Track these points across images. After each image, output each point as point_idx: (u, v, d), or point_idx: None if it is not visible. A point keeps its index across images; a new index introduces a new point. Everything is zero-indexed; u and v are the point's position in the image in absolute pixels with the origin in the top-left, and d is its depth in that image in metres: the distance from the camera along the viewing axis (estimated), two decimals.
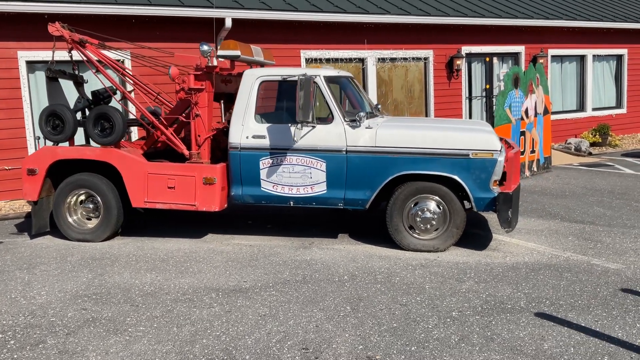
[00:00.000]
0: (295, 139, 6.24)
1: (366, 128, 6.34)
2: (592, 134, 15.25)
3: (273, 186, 6.52)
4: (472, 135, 6.15)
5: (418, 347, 4.07)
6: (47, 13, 9.20)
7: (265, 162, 6.48)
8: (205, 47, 6.64)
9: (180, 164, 6.70)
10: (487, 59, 14.76)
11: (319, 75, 6.46)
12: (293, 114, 6.40)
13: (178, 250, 6.48)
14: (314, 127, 6.37)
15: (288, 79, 6.49)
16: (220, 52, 6.73)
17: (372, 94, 12.95)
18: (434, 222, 6.23)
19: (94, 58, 7.32)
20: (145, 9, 10.01)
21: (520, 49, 14.99)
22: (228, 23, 10.75)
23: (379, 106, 7.85)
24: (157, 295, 5.11)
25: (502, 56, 14.98)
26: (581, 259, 6.00)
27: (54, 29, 7.25)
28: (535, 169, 11.22)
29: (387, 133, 6.27)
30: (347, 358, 3.94)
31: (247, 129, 6.54)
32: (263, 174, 6.50)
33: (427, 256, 6.16)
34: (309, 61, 12.19)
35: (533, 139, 11.09)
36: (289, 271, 5.71)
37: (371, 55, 12.86)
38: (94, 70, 7.35)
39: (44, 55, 9.18)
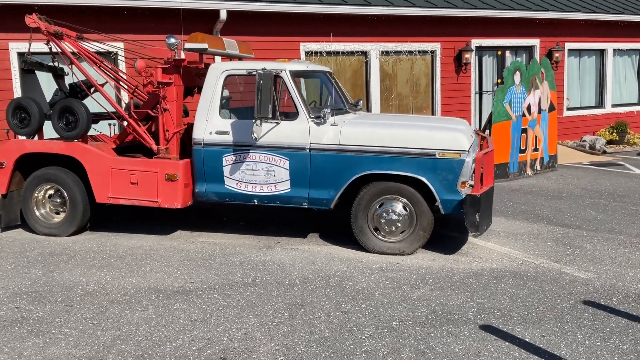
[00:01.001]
0: (255, 135, 6.04)
1: (331, 125, 6.10)
2: (609, 132, 14.66)
3: (237, 184, 6.35)
4: (438, 135, 5.86)
5: None
6: (37, 4, 9.17)
7: (228, 159, 6.31)
8: (172, 40, 6.48)
9: (143, 159, 6.58)
10: (499, 53, 14.29)
11: (284, 70, 6.24)
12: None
13: (139, 247, 6.37)
14: (278, 123, 6.17)
15: (253, 73, 6.29)
16: (187, 45, 6.57)
17: (375, 88, 12.67)
18: (399, 224, 5.97)
19: (69, 50, 7.24)
20: (138, 1, 9.91)
21: (534, 42, 14.46)
22: (223, 15, 10.59)
23: (360, 102, 7.60)
24: (96, 295, 5.00)
25: (516, 50, 14.48)
26: (552, 266, 5.68)
27: (31, 20, 7.19)
28: (538, 168, 10.80)
29: (352, 131, 6.03)
30: None
31: (210, 124, 6.37)
32: (226, 171, 6.33)
33: (390, 259, 5.91)
34: (309, 54, 11.96)
35: (536, 137, 10.66)
36: (242, 272, 5.53)
37: (374, 48, 12.56)
38: (68, 63, 7.28)
39: (35, 46, 9.17)
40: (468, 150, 5.76)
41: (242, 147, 6.24)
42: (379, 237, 6.05)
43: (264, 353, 3.95)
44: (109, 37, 8.27)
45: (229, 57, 7.73)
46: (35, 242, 6.61)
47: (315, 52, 12.02)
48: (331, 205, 6.17)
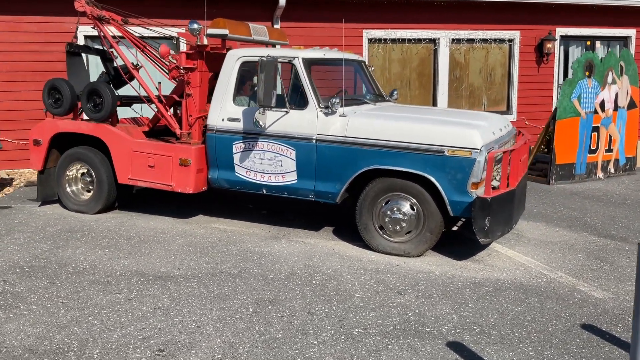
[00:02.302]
0: (261, 123, 5.91)
1: (340, 116, 5.84)
2: None
3: (246, 172, 6.26)
4: (448, 130, 5.43)
5: None
6: None
7: (238, 147, 6.23)
8: (195, 25, 6.48)
9: (160, 143, 6.65)
10: (589, 43, 13.16)
11: (297, 57, 6.04)
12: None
13: (152, 229, 6.46)
14: (287, 112, 6.00)
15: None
16: (209, 31, 6.53)
17: (443, 78, 12.10)
18: (404, 224, 5.62)
19: (110, 34, 7.45)
20: None
21: (630, 32, 13.17)
22: (282, 1, 10.49)
23: (395, 92, 7.25)
24: (83, 274, 5.11)
25: (608, 40, 13.27)
26: (568, 282, 5.11)
27: (79, 4, 7.45)
28: (612, 171, 9.85)
29: (359, 122, 5.73)
30: None
31: (223, 111, 6.31)
32: (236, 158, 6.25)
33: (391, 260, 5.59)
34: (372, 42, 11.62)
35: (610, 136, 9.72)
36: (232, 262, 5.45)
37: (444, 35, 11.97)
38: (108, 46, 7.49)
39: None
40: (480, 149, 5.28)
41: (252, 135, 6.13)
42: (384, 236, 5.74)
43: (204, 349, 3.84)
44: (157, 22, 8.44)
45: (265, 44, 7.62)
46: (62, 217, 6.90)
47: (379, 40, 11.65)
48: (337, 199, 5.92)
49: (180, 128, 6.83)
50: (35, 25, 9.91)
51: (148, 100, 7.28)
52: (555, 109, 9.21)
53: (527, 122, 12.57)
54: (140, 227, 6.52)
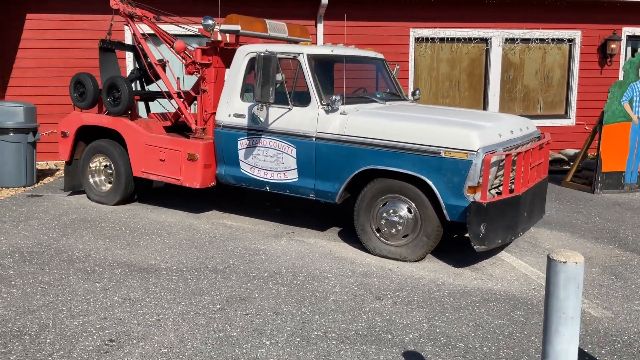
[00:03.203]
0: (261, 119, 5.86)
1: (340, 114, 5.70)
2: None
3: (250, 168, 6.23)
4: (445, 130, 5.16)
5: None
6: None
7: (243, 143, 6.21)
8: (209, 22, 6.53)
9: (171, 137, 6.74)
10: None
11: (302, 53, 5.94)
12: (275, 93, 6.00)
13: (160, 222, 6.56)
14: (290, 109, 5.92)
15: (277, 56, 6.07)
16: (222, 27, 6.56)
17: (495, 79, 11.64)
18: (400, 227, 5.40)
19: (139, 31, 7.64)
20: None
21: None
22: (324, 0, 10.41)
23: (417, 92, 7.02)
24: (74, 262, 5.25)
25: None
26: None
27: (114, 2, 7.71)
28: None
29: (358, 121, 5.57)
30: (139, 358, 3.63)
31: (231, 106, 6.32)
32: (241, 154, 6.24)
33: (385, 264, 5.39)
34: (419, 41, 11.33)
35: None
36: (222, 258, 5.43)
37: (497, 34, 11.51)
38: (136, 43, 7.69)
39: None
40: (477, 151, 4.99)
41: (255, 132, 6.10)
42: (381, 238, 5.54)
43: (154, 342, 3.83)
44: (188, 19, 8.58)
45: (287, 41, 7.57)
46: (82, 207, 7.14)
47: (427, 39, 11.35)
48: (336, 199, 5.78)
49: (197, 124, 6.91)
50: (87, 24, 10.35)
51: (169, 95, 7.40)
52: (603, 112, 8.60)
53: (586, 127, 11.87)
54: (149, 220, 6.65)
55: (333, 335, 4.00)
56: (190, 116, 7.03)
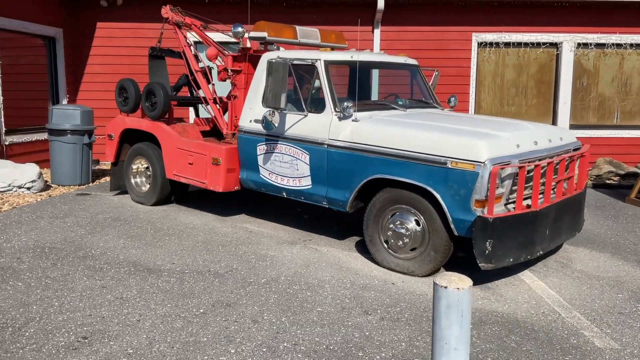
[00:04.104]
0: (274, 124, 5.83)
1: (352, 121, 5.56)
2: None
3: (269, 174, 6.22)
4: (453, 140, 4.89)
5: None
6: None
7: (261, 148, 6.21)
8: (239, 29, 6.61)
9: (199, 142, 6.86)
10: None
11: (319, 60, 5.86)
12: (292, 100, 5.98)
13: (186, 224, 6.69)
14: (305, 115, 5.86)
15: (295, 62, 6.04)
16: (250, 34, 6.62)
17: (566, 87, 10.97)
18: (407, 240, 5.18)
19: (184, 40, 7.85)
20: None
21: None
22: (380, 5, 10.27)
23: (452, 99, 6.77)
24: (87, 259, 5.45)
25: None
26: (576, 324, 4.35)
27: (164, 11, 8.00)
28: None
29: (368, 128, 5.41)
30: (104, 357, 3.70)
31: (252, 112, 6.34)
32: (260, 160, 6.25)
33: (390, 278, 5.19)
34: (482, 45, 10.89)
35: None
36: (227, 262, 5.45)
37: (568, 39, 10.85)
38: (181, 49, 7.92)
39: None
40: (484, 162, 4.69)
41: (272, 137, 6.09)
42: (390, 250, 5.35)
43: (123, 342, 3.89)
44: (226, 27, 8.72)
45: (317, 47, 7.49)
46: (120, 207, 7.43)
47: (491, 44, 10.89)
48: (347, 207, 5.65)
49: (228, 129, 7.00)
50: (152, 32, 10.78)
51: (205, 101, 7.55)
52: None
53: None
54: (177, 221, 6.80)
55: (302, 348, 3.89)
56: (223, 121, 7.14)
